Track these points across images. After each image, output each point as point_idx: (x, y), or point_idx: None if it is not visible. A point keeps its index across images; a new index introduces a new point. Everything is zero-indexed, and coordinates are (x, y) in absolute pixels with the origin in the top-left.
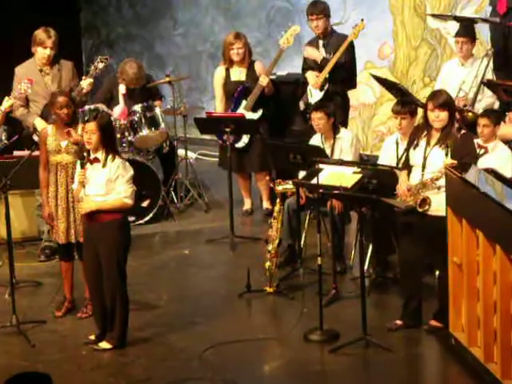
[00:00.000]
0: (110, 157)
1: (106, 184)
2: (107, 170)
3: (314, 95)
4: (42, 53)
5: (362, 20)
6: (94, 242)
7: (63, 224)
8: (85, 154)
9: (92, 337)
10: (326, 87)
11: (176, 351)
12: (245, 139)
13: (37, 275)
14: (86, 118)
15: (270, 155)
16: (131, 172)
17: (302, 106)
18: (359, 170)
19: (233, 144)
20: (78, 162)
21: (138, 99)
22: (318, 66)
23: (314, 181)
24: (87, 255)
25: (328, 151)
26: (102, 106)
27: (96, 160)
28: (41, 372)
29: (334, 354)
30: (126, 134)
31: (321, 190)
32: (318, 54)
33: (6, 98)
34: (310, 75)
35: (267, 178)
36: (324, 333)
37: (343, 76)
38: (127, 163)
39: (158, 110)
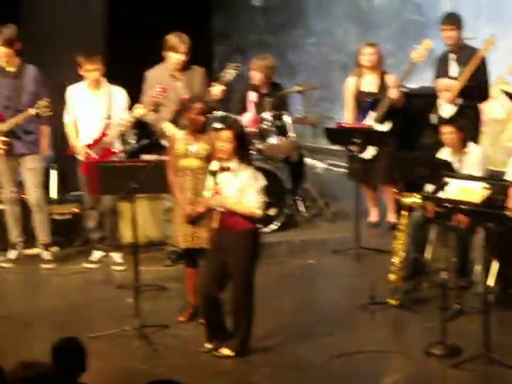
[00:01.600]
0: (242, 167)
1: (237, 193)
2: (238, 180)
3: (445, 109)
4: (174, 58)
5: (493, 35)
6: (222, 250)
7: (190, 229)
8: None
9: (209, 345)
10: (458, 102)
11: (298, 361)
12: (372, 151)
13: (161, 280)
14: (215, 125)
15: (396, 167)
16: (262, 182)
17: (434, 119)
18: (488, 185)
19: (360, 154)
20: (211, 175)
21: (267, 107)
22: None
23: (443, 195)
24: (213, 263)
25: (456, 166)
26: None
27: (228, 169)
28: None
29: (455, 369)
30: (255, 141)
31: (449, 205)
32: (450, 83)
33: (140, 105)
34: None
35: (394, 190)
36: (446, 347)
37: (476, 90)
38: (259, 174)
39: (287, 119)
